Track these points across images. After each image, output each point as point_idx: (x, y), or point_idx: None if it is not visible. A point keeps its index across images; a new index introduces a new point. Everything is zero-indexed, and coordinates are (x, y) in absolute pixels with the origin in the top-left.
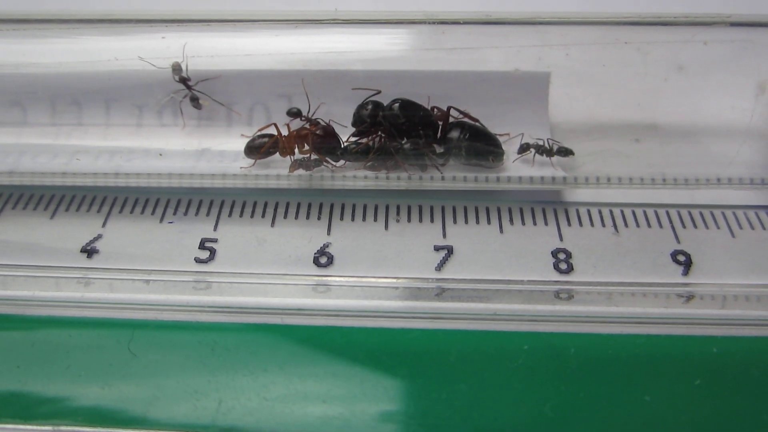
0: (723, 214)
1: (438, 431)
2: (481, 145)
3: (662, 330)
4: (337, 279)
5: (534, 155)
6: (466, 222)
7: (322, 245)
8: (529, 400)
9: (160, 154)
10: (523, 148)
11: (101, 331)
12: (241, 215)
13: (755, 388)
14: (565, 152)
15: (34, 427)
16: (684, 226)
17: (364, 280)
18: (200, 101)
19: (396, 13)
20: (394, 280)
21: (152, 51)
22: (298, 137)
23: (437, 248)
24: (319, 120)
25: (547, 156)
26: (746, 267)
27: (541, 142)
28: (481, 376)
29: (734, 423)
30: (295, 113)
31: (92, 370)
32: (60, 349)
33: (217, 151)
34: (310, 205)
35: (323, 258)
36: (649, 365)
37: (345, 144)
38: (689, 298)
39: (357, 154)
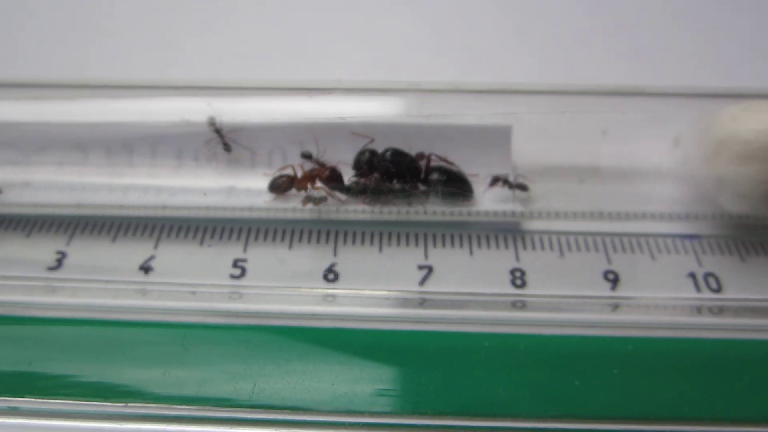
0: (646, 241)
1: (419, 406)
2: (455, 188)
3: (592, 332)
4: (342, 291)
5: (501, 184)
6: (444, 246)
7: (329, 264)
8: (487, 384)
9: (205, 194)
10: (494, 181)
11: (160, 330)
12: (265, 239)
13: (658, 376)
14: (522, 187)
15: (111, 404)
16: (615, 251)
17: (363, 292)
18: (230, 147)
19: (387, 82)
20: (387, 292)
21: (197, 110)
22: (310, 177)
23: (420, 267)
24: (326, 163)
25: (509, 187)
26: (662, 283)
27: (506, 177)
28: (451, 366)
29: (641, 401)
30: (307, 156)
31: (154, 361)
32: (128, 345)
33: (244, 188)
34: (320, 232)
35: (330, 274)
36: (580, 358)
37: (347, 183)
38: (615, 307)
39: (357, 191)
